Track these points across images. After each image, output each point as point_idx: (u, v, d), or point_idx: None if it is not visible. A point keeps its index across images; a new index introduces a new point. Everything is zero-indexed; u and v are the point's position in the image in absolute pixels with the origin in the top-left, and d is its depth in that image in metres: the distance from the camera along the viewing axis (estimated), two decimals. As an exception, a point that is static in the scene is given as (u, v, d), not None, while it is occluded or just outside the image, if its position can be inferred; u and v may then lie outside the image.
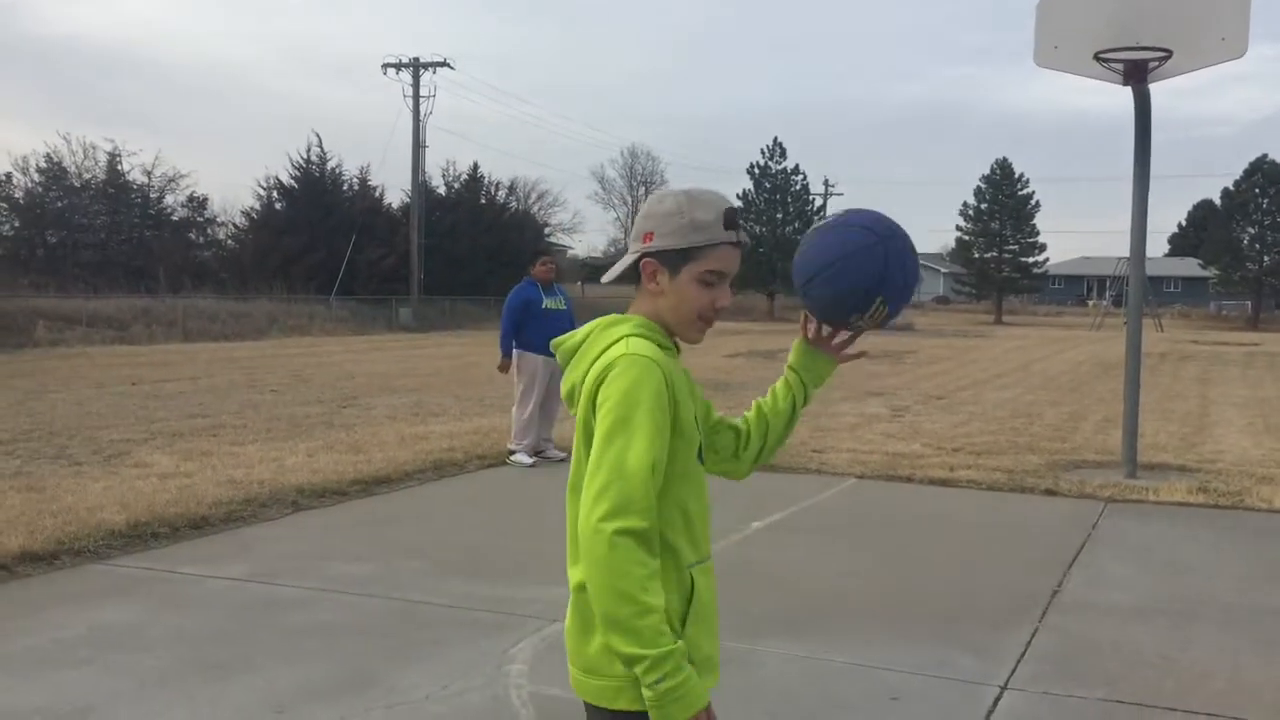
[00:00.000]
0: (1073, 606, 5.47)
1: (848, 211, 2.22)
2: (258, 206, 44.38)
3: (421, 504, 7.98)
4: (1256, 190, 57.34)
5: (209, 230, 46.97)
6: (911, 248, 2.15)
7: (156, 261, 39.27)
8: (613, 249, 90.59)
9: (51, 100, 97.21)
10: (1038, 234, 60.77)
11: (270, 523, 7.18)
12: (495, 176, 51.09)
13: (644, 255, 2.01)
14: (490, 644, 4.78)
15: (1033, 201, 60.62)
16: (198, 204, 45.66)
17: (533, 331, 9.65)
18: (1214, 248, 59.40)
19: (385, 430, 11.18)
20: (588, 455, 1.97)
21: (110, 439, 10.33)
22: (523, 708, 4.06)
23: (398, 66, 41.06)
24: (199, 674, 4.39)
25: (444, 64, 41.21)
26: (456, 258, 42.77)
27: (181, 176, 45.60)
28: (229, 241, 46.17)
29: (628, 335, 2.00)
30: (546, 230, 59.44)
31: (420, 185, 41.90)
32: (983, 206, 60.60)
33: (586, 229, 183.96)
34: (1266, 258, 57.06)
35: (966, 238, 61.16)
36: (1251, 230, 57.52)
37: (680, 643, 1.84)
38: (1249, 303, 58.54)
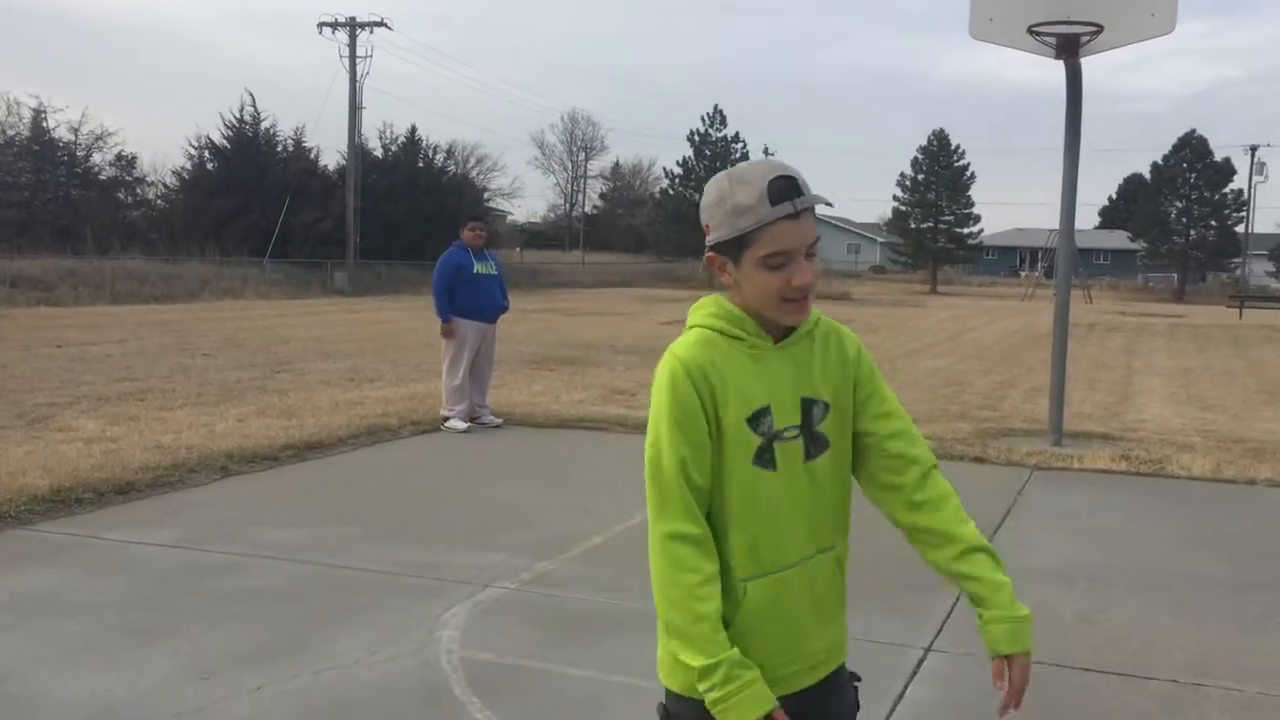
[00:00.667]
0: (997, 571, 5.58)
1: None
2: (189, 166, 43.50)
3: (355, 470, 7.92)
4: (1184, 165, 58.50)
5: (138, 190, 46.02)
6: None
7: (83, 221, 38.31)
8: (552, 214, 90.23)
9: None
10: (973, 205, 61.49)
11: (199, 488, 7.08)
12: (433, 140, 50.27)
13: (709, 250, 1.90)
14: (422, 610, 4.77)
15: (969, 173, 61.28)
16: (126, 163, 44.69)
17: (463, 296, 9.60)
18: (1142, 221, 60.57)
19: (319, 395, 11.06)
20: None
21: (35, 403, 10.10)
22: (453, 673, 4.07)
23: (334, 25, 40.27)
24: (123, 640, 4.33)
25: (381, 24, 40.52)
26: (394, 221, 42.25)
27: (109, 134, 44.65)
28: (159, 202, 45.26)
29: (693, 325, 1.94)
30: (486, 195, 59.03)
31: (357, 147, 41.26)
32: (920, 177, 61.14)
33: (526, 194, 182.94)
34: (1193, 231, 58.33)
35: (903, 208, 61.69)
36: (1179, 204, 58.70)
37: (734, 650, 1.78)
38: (1175, 275, 59.82)
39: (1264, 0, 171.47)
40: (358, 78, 40.72)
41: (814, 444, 1.92)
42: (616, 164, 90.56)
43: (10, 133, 41.63)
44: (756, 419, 1.86)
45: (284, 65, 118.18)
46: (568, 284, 48.35)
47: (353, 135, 41.02)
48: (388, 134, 47.26)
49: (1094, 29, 8.12)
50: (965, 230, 61.61)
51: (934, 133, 61.47)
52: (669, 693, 1.91)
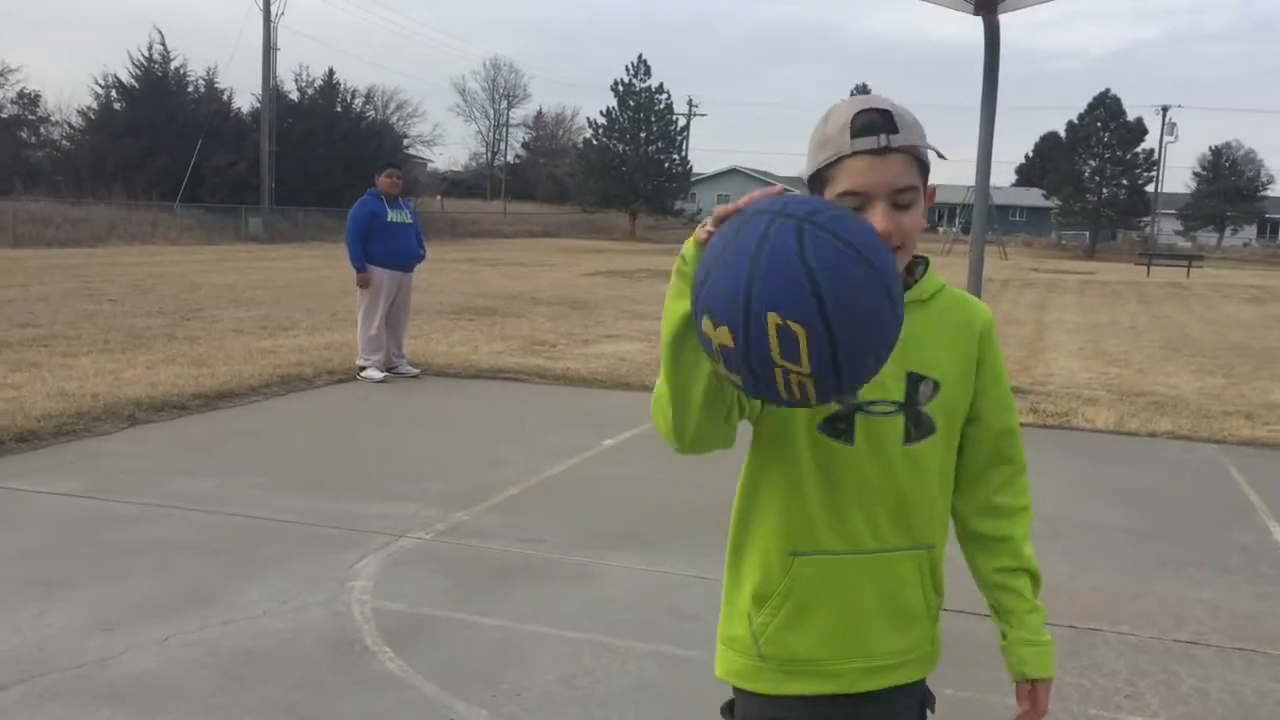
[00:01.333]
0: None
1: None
2: (95, 106, 42.09)
3: (267, 419, 7.79)
4: (1098, 124, 59.61)
5: (42, 130, 44.43)
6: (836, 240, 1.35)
7: (-17, 161, 36.89)
8: (474, 163, 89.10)
9: None
10: (893, 161, 62.01)
11: (105, 437, 6.91)
12: (352, 84, 49.26)
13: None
14: (334, 559, 4.72)
15: (890, 128, 61.73)
16: (29, 101, 43.10)
17: (378, 245, 9.45)
18: (1057, 179, 61.72)
19: (231, 344, 10.84)
20: None
21: (-71, 349, 9.75)
22: (365, 623, 4.04)
23: (247, -37, 39.07)
24: (22, 591, 4.22)
25: (297, -38, 39.40)
26: (310, 167, 41.42)
27: (11, 71, 43.00)
28: (64, 142, 43.69)
29: None
30: (406, 142, 58.04)
31: (271, 90, 40.24)
32: (842, 132, 61.43)
33: (447, 141, 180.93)
34: (1105, 190, 59.60)
35: (825, 162, 62.01)
36: (1092, 163, 59.88)
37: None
38: (1087, 233, 61.18)
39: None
40: (272, 17, 39.64)
41: (917, 426, 1.69)
42: (539, 113, 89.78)
43: (-97, 67, 39.79)
44: None
45: (195, 3, 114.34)
46: (489, 234, 47.90)
47: (267, 77, 39.98)
48: (304, 76, 46.56)
49: (1012, -14, 8.18)
50: (885, 185, 62.13)
51: (856, 87, 61.76)
52: (735, 689, 1.78)
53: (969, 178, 9.49)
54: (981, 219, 9.59)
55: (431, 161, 75.02)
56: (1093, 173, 59.89)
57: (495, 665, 3.74)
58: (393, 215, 9.49)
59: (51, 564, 4.56)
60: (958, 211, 62.75)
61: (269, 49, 39.79)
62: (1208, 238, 77.37)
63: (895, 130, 1.58)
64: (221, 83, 44.09)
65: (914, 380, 1.68)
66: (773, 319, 1.32)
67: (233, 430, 7.34)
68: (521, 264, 28.28)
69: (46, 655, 3.67)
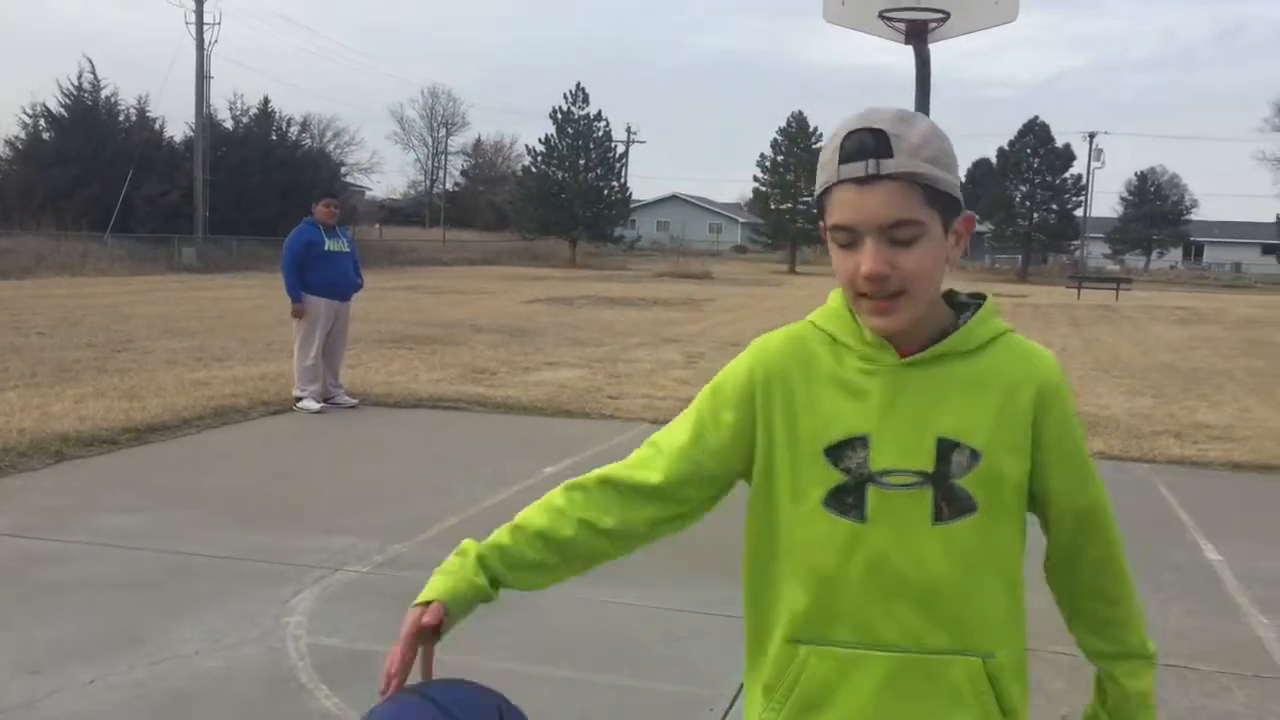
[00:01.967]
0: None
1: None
2: (23, 136, 41.19)
3: (200, 452, 7.64)
4: (1028, 150, 60.82)
5: (-34, 159, 43.27)
6: None
7: (-95, 191, 35.97)
8: (413, 191, 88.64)
9: None
10: (830, 187, 62.73)
11: (31, 473, 6.73)
12: (288, 112, 48.83)
13: None
14: (268, 594, 4.63)
15: (826, 155, 62.49)
16: (-47, 130, 41.96)
17: (315, 274, 9.35)
18: (989, 204, 62.78)
19: (163, 376, 10.64)
20: None
21: None
22: (300, 659, 3.96)
23: (180, -10, 38.66)
24: (-57, 636, 4.09)
25: (231, -10, 39.10)
26: (245, 196, 40.88)
27: (-66, 99, 41.80)
28: (-10, 172, 42.69)
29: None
30: (343, 170, 57.58)
31: (205, 119, 39.75)
32: (779, 159, 62.09)
33: (386, 169, 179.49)
34: (1036, 214, 60.76)
35: (763, 189, 62.61)
36: (1023, 188, 61.04)
37: (472, 546, 1.56)
38: (1020, 257, 62.29)
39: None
40: (205, 45, 39.24)
41: (949, 502, 1.40)
42: (478, 141, 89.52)
43: None
44: (841, 450, 1.42)
45: (127, 32, 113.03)
46: (429, 262, 47.62)
47: (200, 105, 39.51)
48: (239, 105, 45.66)
49: (941, 15, 8.33)
50: (823, 211, 62.81)
51: (793, 115, 62.50)
52: None
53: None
54: (916, 244, 9.71)
55: (369, 190, 74.53)
56: (1024, 198, 61.04)
57: (434, 700, 3.68)
58: (330, 244, 9.40)
59: (-27, 606, 4.42)
60: (894, 236, 63.56)
61: (202, 77, 39.34)
62: (1135, 260, 79.18)
63: (889, 154, 1.34)
64: (154, 111, 43.64)
65: (945, 447, 1.40)
66: None
67: (164, 464, 7.19)
68: (461, 291, 28.14)
69: (-33, 701, 3.55)
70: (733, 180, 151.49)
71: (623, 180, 59.53)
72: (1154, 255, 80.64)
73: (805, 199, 62.14)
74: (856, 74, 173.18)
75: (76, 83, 40.90)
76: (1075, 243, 66.66)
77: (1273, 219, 68.05)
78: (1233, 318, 25.48)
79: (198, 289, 26.16)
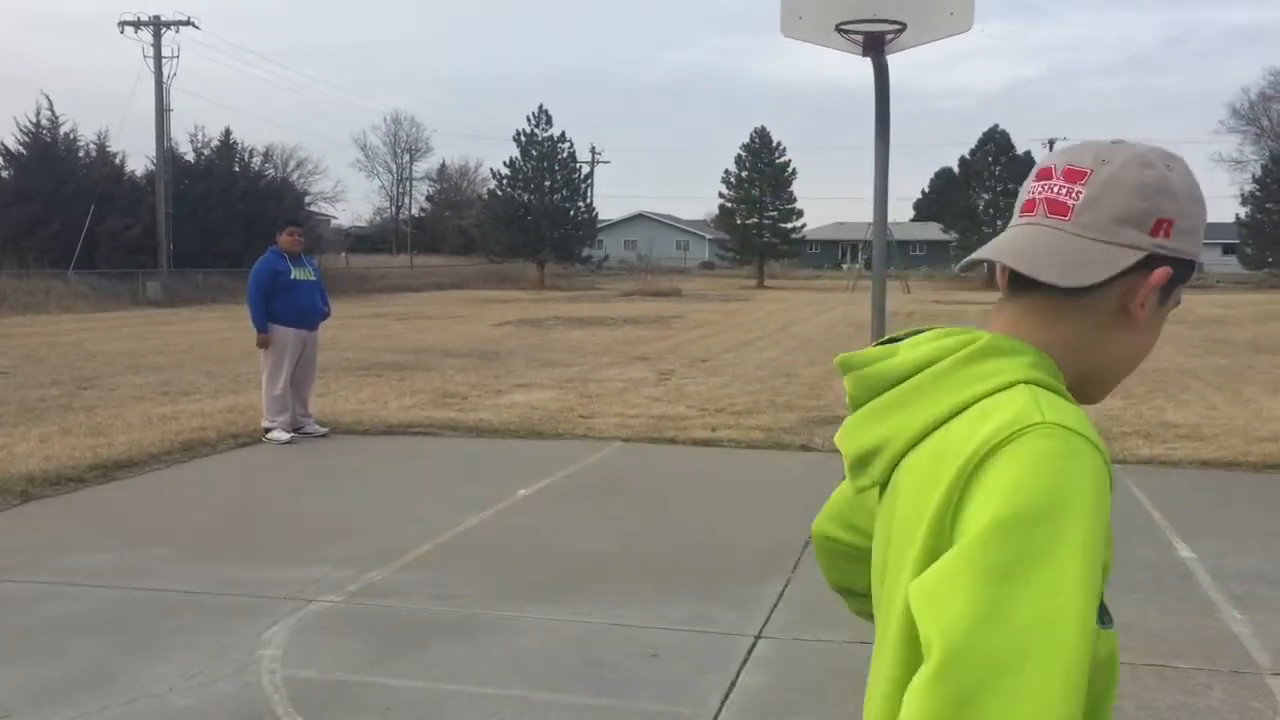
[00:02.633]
0: (823, 555, 5.71)
1: None
2: (-19, 174, 40.77)
3: (169, 488, 7.55)
4: (989, 159, 61.45)
5: (-76, 200, 42.76)
6: None
7: None
8: (378, 218, 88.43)
9: None
10: (795, 201, 63.08)
11: (-4, 515, 6.63)
12: (249, 143, 48.61)
13: (1158, 258, 1.14)
14: (242, 629, 4.58)
15: (790, 169, 62.85)
16: (-90, 170, 41.48)
17: (281, 303, 9.29)
18: (953, 213, 63.34)
19: (130, 411, 10.52)
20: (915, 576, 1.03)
21: None
22: (275, 692, 3.91)
23: (136, 24, 38.47)
24: (-92, 684, 4.01)
25: (187, 23, 38.95)
26: (209, 228, 40.62)
27: (-111, 140, 41.29)
28: (-52, 212, 42.21)
29: (1026, 381, 1.10)
30: (307, 199, 57.34)
31: (166, 152, 39.51)
32: (744, 174, 62.37)
33: (350, 197, 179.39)
34: (999, 222, 61.28)
35: (729, 205, 62.85)
36: (986, 196, 61.61)
37: None
38: (985, 265, 62.80)
39: (1059, 3, 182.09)
40: (164, 79, 39.04)
41: None
42: (443, 165, 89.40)
43: None
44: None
45: (84, 67, 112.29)
46: (397, 288, 47.44)
47: (160, 139, 39.28)
48: (200, 137, 45.37)
49: (898, 27, 8.41)
50: (789, 225, 63.13)
51: (756, 130, 62.80)
52: None
53: (870, 215, 9.68)
54: (881, 254, 9.77)
55: (335, 218, 74.32)
56: (986, 206, 61.57)
57: (413, 728, 3.64)
58: (296, 273, 9.35)
59: (-61, 652, 4.34)
60: (860, 248, 64.09)
61: (162, 110, 39.13)
62: (1099, 264, 79.90)
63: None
64: (114, 146, 43.36)
65: None
66: None
67: (133, 501, 7.10)
68: (430, 317, 28.04)
69: (-66, 749, 3.48)
70: (698, 197, 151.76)
71: (588, 200, 59.61)
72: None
73: (770, 214, 62.45)
74: (819, 89, 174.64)
75: (35, 120, 40.55)
76: (1039, 248, 67.12)
77: (1232, 219, 68.93)
78: (1195, 317, 25.77)
79: (163, 323, 25.94)
